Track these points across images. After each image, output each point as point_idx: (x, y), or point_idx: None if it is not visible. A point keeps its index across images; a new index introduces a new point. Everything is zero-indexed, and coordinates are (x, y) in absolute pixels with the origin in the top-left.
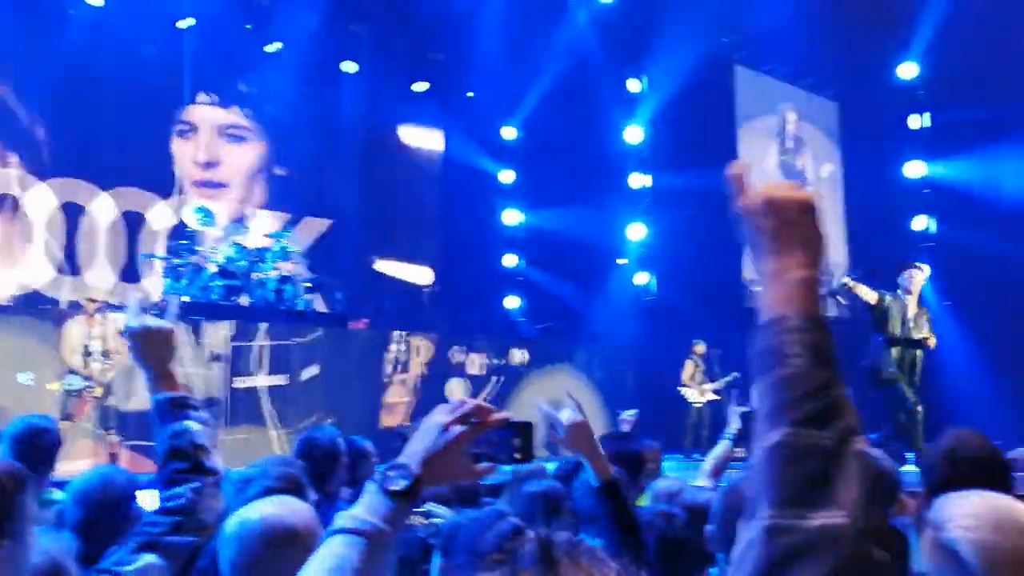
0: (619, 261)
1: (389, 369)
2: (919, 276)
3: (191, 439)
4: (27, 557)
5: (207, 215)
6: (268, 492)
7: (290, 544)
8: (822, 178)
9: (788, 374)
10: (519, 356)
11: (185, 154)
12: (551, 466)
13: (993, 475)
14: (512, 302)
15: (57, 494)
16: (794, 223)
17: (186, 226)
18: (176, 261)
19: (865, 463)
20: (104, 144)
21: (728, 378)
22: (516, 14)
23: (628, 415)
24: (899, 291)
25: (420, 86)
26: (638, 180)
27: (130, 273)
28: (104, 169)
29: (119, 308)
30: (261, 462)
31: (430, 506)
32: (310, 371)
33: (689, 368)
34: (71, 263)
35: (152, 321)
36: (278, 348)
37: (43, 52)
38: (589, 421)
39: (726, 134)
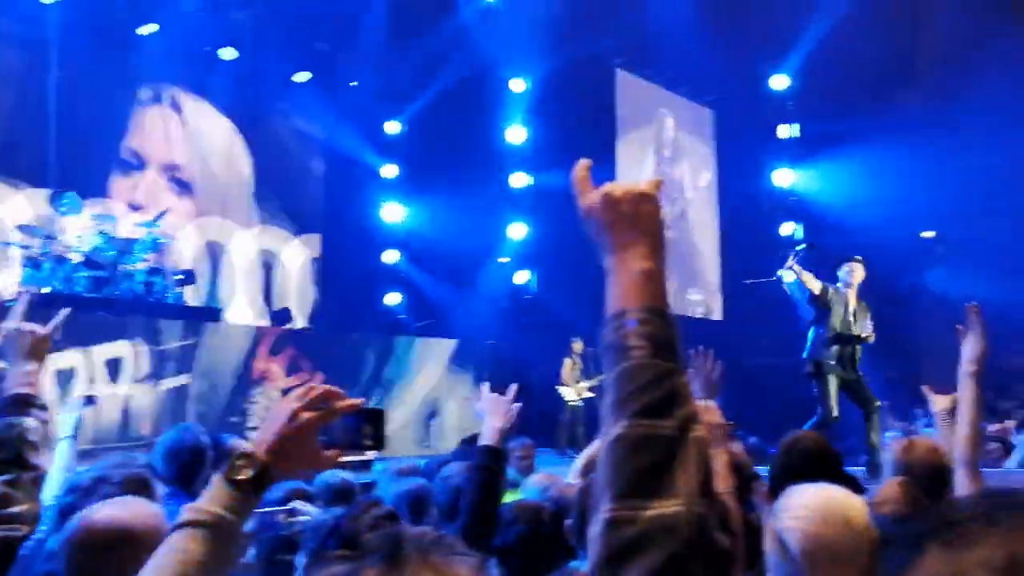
0: (500, 260)
1: (263, 365)
2: (860, 270)
3: (20, 432)
4: None
5: (72, 202)
6: (112, 493)
7: (129, 545)
8: (699, 187)
9: (629, 367)
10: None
11: None
12: (421, 462)
13: (824, 468)
14: (393, 298)
15: None
16: (632, 217)
17: (51, 212)
18: (35, 249)
19: (707, 449)
20: None
21: (604, 376)
22: (404, 8)
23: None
24: (839, 284)
25: (301, 76)
26: (520, 179)
27: None
28: None
29: None
30: (105, 463)
31: (298, 504)
32: (179, 379)
33: (568, 366)
34: None
35: (29, 326)
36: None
37: None
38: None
39: (607, 136)
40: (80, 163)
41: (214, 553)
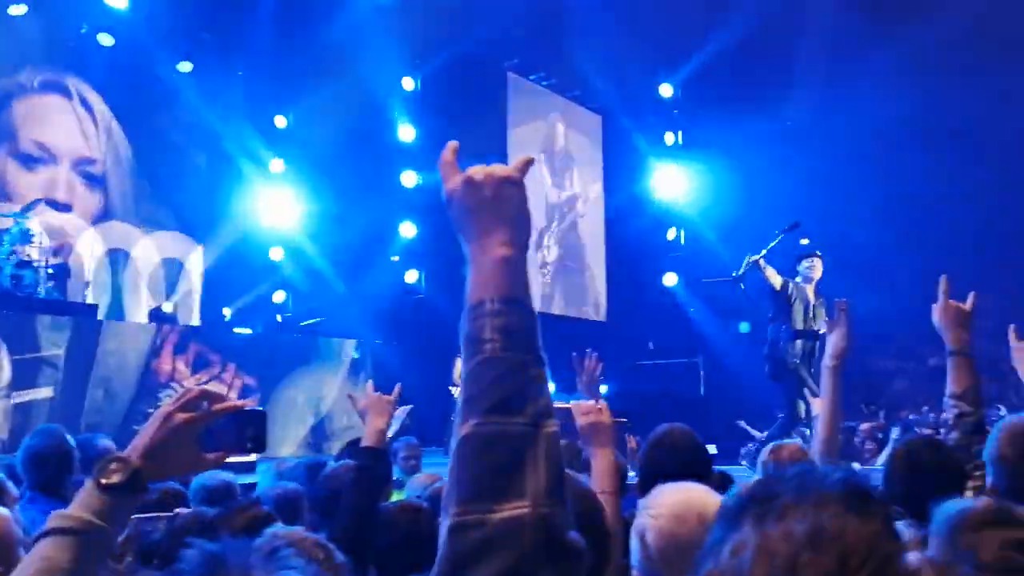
0: (392, 259)
1: (167, 366)
2: (819, 265)
3: None
4: None
5: None
6: None
7: None
8: (590, 196)
9: (482, 360)
10: None
11: None
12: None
13: (693, 466)
14: (279, 296)
15: None
16: (494, 202)
17: None
18: None
19: (559, 446)
20: None
21: None
22: (294, 1)
23: (399, 412)
24: (799, 279)
25: (184, 66)
26: (410, 178)
27: None
28: None
29: None
30: None
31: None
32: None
33: (459, 366)
34: None
35: None
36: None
37: None
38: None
39: (498, 139)
40: None
41: (80, 560)
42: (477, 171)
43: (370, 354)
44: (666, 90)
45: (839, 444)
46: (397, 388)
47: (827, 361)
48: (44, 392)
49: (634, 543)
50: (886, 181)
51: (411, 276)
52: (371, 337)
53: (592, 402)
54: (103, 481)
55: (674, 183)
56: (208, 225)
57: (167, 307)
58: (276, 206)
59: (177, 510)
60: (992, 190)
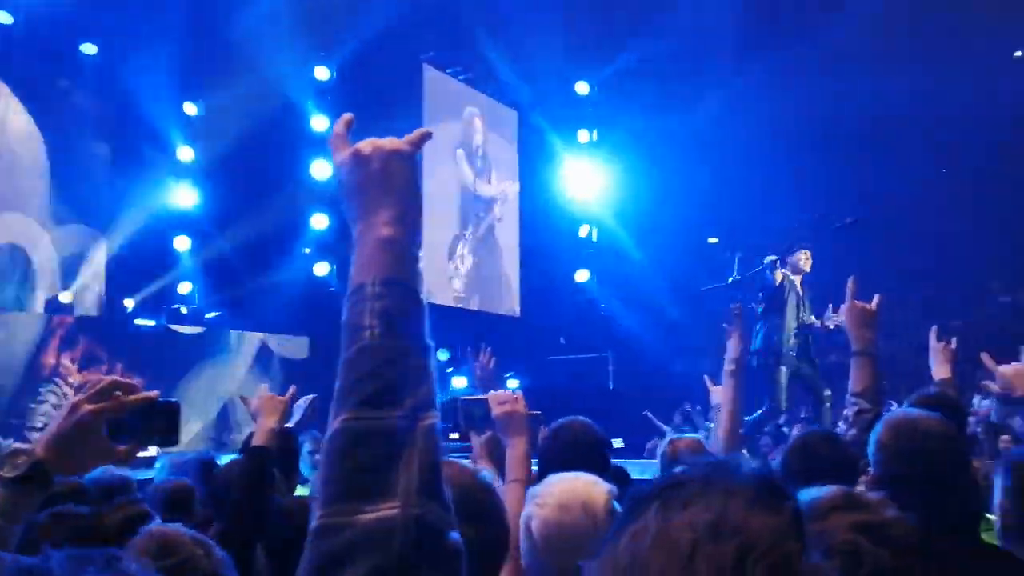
0: (304, 251)
1: (52, 360)
2: (809, 257)
3: None
4: None
5: None
6: None
7: None
8: (508, 197)
9: (359, 348)
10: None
11: None
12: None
13: (589, 458)
14: (184, 287)
15: None
16: (382, 177)
17: None
18: None
19: (437, 440)
20: None
21: None
22: None
23: (301, 402)
24: (788, 271)
25: (88, 48)
26: (322, 169)
27: None
28: None
29: None
30: None
31: None
32: None
33: None
34: None
35: None
36: None
37: None
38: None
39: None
40: None
41: None
42: (365, 144)
43: (278, 347)
44: (582, 87)
45: (740, 440)
46: (291, 390)
47: (727, 366)
48: None
49: (522, 532)
50: (795, 179)
51: (322, 269)
52: (280, 330)
53: (510, 392)
54: (3, 475)
55: (588, 180)
56: (111, 215)
57: (64, 297)
58: (184, 196)
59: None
60: (899, 186)
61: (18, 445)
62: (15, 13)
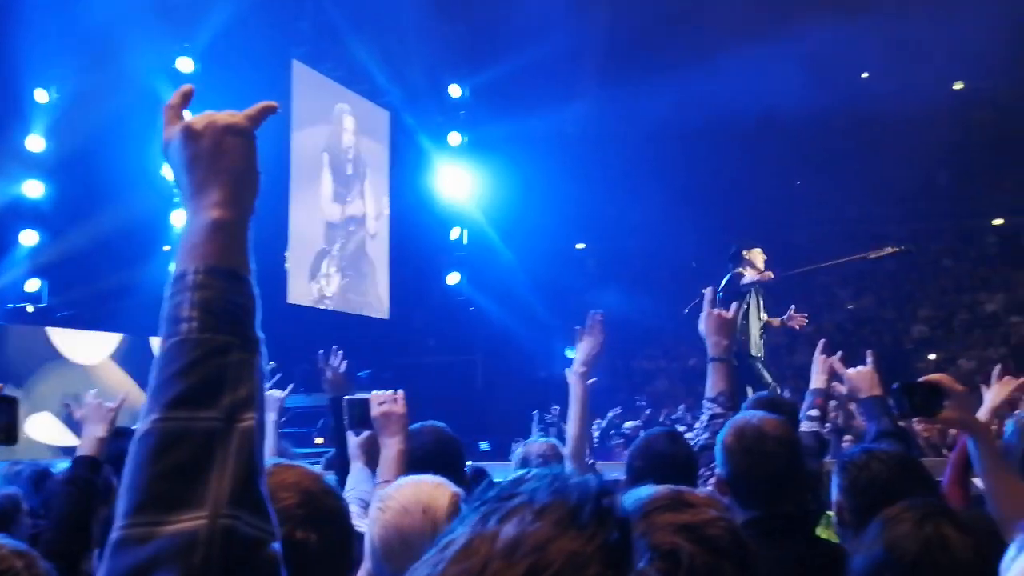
0: (164, 248)
1: None
2: (762, 252)
3: None
4: None
5: None
6: None
7: None
8: (382, 211)
9: (175, 343)
10: None
11: None
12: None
13: (441, 460)
14: (33, 284)
15: None
16: (213, 154)
17: None
18: None
19: (254, 443)
20: None
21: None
22: None
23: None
24: (748, 270)
25: None
26: None
27: None
28: None
29: None
30: None
31: None
32: None
33: None
34: None
35: None
36: None
37: None
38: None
39: (282, 128)
40: None
41: None
42: (199, 119)
43: (137, 348)
44: (455, 90)
45: (588, 442)
46: (120, 397)
47: (576, 368)
48: None
49: (367, 536)
50: (658, 185)
51: None
52: (137, 330)
53: (390, 392)
54: None
55: (459, 183)
56: None
57: None
58: (33, 187)
59: None
60: (766, 186)
61: None
62: None
